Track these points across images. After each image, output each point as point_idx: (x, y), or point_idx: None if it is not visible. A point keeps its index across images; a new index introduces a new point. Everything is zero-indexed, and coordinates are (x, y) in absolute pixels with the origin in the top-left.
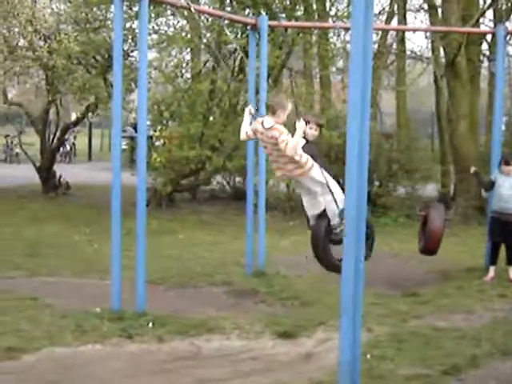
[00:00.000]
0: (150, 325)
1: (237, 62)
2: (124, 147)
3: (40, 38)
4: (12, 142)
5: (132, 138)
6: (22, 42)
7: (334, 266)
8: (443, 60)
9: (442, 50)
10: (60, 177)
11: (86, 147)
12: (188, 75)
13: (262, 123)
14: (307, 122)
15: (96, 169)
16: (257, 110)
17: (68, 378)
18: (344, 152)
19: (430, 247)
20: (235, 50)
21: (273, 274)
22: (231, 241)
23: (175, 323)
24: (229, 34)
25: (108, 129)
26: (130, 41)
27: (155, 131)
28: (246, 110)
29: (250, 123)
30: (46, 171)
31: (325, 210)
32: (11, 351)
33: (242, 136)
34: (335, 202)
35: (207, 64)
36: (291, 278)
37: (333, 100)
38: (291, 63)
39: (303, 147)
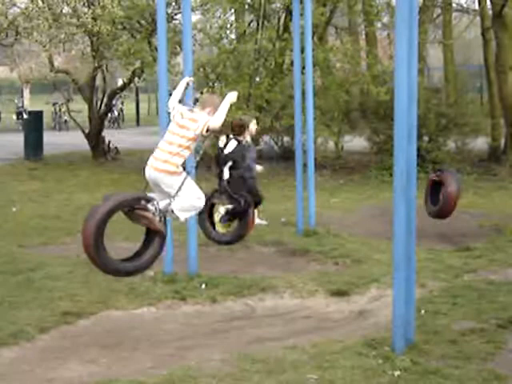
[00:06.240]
0: (203, 286)
1: (281, 21)
2: None
3: (84, 5)
4: (60, 110)
5: (179, 101)
6: (66, 9)
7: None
8: (490, 12)
9: (488, 1)
10: (109, 142)
11: (134, 112)
12: (233, 36)
13: (191, 110)
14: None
15: (144, 133)
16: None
17: (123, 340)
18: (392, 108)
19: (447, 210)
20: (279, 8)
21: (323, 233)
22: (281, 200)
23: (228, 284)
24: None
25: (155, 93)
26: (173, 3)
27: (201, 93)
28: (184, 80)
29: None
30: (94, 137)
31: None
32: (67, 315)
33: (171, 104)
34: (172, 210)
35: (252, 24)
36: (342, 236)
37: (379, 56)
38: (336, 20)
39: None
